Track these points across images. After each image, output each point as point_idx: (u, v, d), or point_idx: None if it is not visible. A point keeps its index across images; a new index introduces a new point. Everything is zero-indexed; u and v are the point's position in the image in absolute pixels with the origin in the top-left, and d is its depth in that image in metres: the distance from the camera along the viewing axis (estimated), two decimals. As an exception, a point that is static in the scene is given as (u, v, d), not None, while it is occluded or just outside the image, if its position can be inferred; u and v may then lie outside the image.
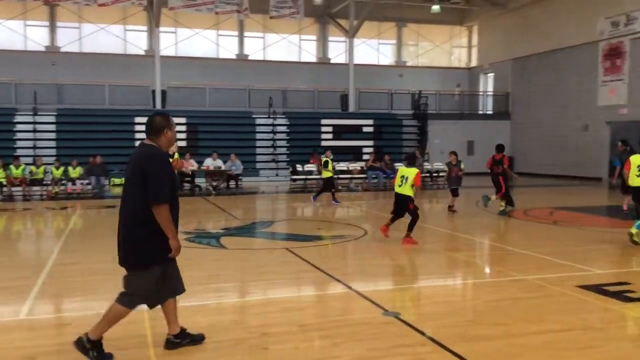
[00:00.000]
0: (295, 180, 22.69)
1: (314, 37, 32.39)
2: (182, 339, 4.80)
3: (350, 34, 28.72)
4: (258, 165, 25.59)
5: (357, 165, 23.14)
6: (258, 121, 26.85)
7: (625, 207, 13.80)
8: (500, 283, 7.33)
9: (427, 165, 23.43)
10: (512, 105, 30.63)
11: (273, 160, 26.00)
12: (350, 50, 28.89)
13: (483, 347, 4.81)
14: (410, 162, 10.15)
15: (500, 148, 14.52)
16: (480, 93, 33.29)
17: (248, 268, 8.21)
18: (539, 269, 7.81)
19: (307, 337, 5.12)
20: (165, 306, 4.78)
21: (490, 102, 32.54)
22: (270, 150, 26.31)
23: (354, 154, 25.67)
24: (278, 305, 6.12)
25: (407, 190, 9.77)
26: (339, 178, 22.04)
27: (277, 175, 24.99)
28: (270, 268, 8.10)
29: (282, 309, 5.92)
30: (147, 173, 4.41)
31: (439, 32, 34.04)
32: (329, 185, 16.66)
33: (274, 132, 26.70)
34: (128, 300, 4.51)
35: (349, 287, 6.87)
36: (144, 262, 4.46)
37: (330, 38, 32.25)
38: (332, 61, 32.10)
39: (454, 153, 14.64)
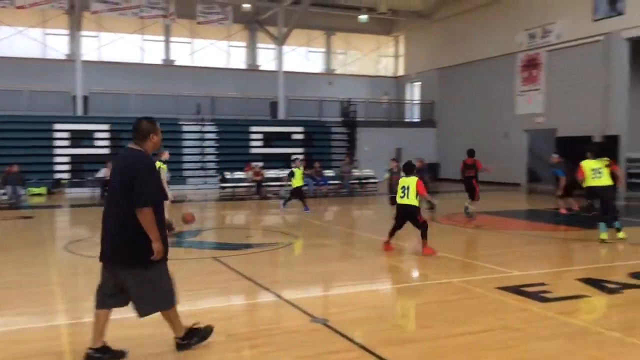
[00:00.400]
0: (224, 188, 22.42)
1: (243, 44, 32.26)
2: (103, 353, 4.64)
3: (280, 41, 28.78)
4: (185, 173, 25.13)
5: (287, 173, 23.10)
6: (185, 128, 26.39)
7: (563, 211, 14.82)
8: (426, 287, 7.49)
9: (356, 172, 23.74)
10: (438, 113, 31.55)
11: (201, 168, 25.60)
12: (280, 58, 28.95)
13: (408, 350, 4.89)
14: (409, 171, 9.76)
15: (471, 152, 15.13)
16: (407, 101, 34.16)
17: (174, 279, 7.99)
18: (462, 272, 8.04)
19: (235, 347, 5.04)
20: (102, 315, 4.68)
21: (417, 110, 33.43)
22: (199, 157, 25.90)
23: (284, 161, 25.66)
24: (205, 316, 5.97)
25: (412, 200, 9.42)
26: (268, 186, 21.97)
27: (205, 183, 24.62)
28: (198, 278, 7.93)
29: (209, 320, 5.79)
30: (134, 176, 4.48)
31: (367, 41, 34.69)
32: (297, 195, 16.49)
33: (202, 140, 26.32)
34: (151, 305, 4.66)
35: (278, 296, 6.83)
36: (147, 260, 4.52)
37: (259, 45, 32.21)
38: (261, 68, 32.05)
39: (395, 160, 14.56)
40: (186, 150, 25.87)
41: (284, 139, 27.38)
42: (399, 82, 35.08)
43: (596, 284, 7.22)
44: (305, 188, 21.53)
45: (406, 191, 9.38)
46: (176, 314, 4.85)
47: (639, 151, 24.03)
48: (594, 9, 22.18)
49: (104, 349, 4.65)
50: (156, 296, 4.65)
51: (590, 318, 5.81)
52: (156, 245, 4.52)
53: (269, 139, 27.07)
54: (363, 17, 29.80)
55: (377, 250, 10.36)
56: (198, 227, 13.39)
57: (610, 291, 6.95)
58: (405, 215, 9.51)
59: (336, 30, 33.44)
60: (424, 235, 9.39)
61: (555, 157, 15.81)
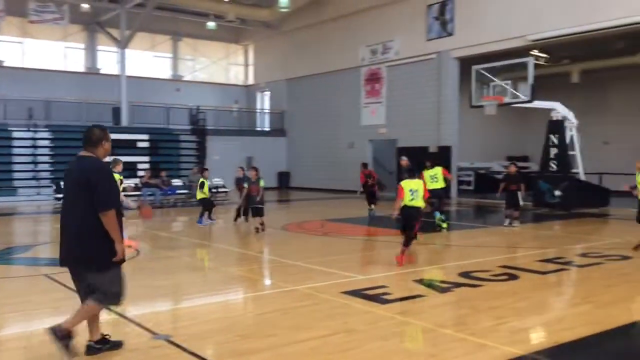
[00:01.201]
0: (59, 199, 20.79)
1: (82, 46, 30.32)
2: (102, 344, 5.02)
3: (122, 44, 27.45)
4: (15, 184, 22.99)
5: (131, 183, 22.04)
6: (15, 135, 24.14)
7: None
8: (272, 295, 7.50)
9: (205, 181, 23.28)
10: (288, 122, 32.07)
11: (34, 178, 23.56)
12: (122, 61, 27.59)
13: (253, 360, 4.83)
14: (412, 174, 9.83)
15: (365, 165, 17.27)
16: (258, 110, 34.31)
17: (2, 299, 7.22)
18: (309, 278, 8.16)
19: (64, 371, 4.63)
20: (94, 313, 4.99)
21: (267, 119, 33.71)
22: (31, 166, 23.82)
23: (128, 170, 24.41)
24: (38, 338, 5.45)
25: (420, 202, 9.43)
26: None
27: (38, 194, 22.69)
28: (28, 298, 7.23)
29: (40, 343, 5.28)
30: (95, 182, 4.68)
31: (216, 48, 34.34)
32: (207, 205, 15.56)
33: (35, 147, 24.25)
34: (106, 300, 4.93)
35: (117, 313, 6.42)
36: (104, 263, 4.77)
37: (100, 47, 30.49)
38: (102, 71, 30.33)
39: (254, 169, 14.23)
40: (17, 159, 23.66)
41: (128, 147, 26.06)
42: (249, 91, 35.16)
43: (430, 284, 7.70)
44: (150, 198, 20.75)
45: (415, 194, 9.37)
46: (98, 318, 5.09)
47: (467, 161, 26.38)
48: (427, 29, 23.96)
49: (104, 341, 5.03)
50: (106, 294, 4.88)
51: (425, 316, 6.17)
52: (119, 247, 4.79)
53: (112, 147, 25.54)
54: (211, 24, 29.48)
55: (225, 260, 10.20)
56: (30, 242, 12.26)
57: (443, 290, 7.46)
58: (411, 217, 9.36)
59: (183, 36, 32.69)
60: (407, 244, 9.27)
61: (404, 160, 16.63)
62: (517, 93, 18.56)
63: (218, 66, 34.68)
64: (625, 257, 9.75)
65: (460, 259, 9.99)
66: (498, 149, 30.09)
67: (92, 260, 4.77)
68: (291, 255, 10.29)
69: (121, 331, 5.88)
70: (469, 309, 6.57)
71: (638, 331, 5.72)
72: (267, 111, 33.87)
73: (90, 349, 4.96)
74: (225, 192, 22.67)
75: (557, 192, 18.13)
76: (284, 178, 31.52)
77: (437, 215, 13.56)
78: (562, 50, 24.24)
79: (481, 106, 18.96)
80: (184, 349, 5.09)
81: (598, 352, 5.30)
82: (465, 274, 8.33)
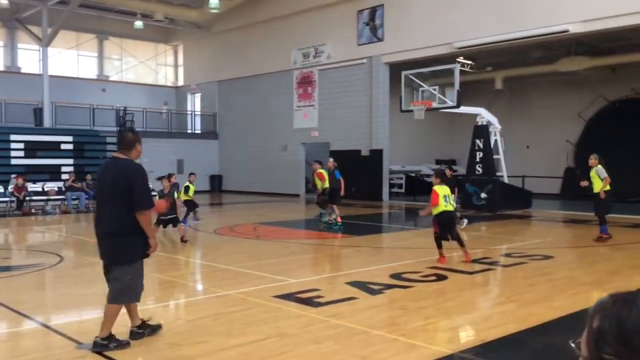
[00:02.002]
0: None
1: (1, 43, 28.83)
2: (144, 329, 5.39)
3: (44, 42, 26.29)
4: None
5: (54, 186, 21.15)
6: None
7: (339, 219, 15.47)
8: (203, 301, 7.36)
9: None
10: (220, 125, 31.67)
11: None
12: (45, 60, 26.42)
13: (184, 368, 4.71)
14: (444, 179, 9.94)
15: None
16: (188, 112, 33.65)
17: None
18: (241, 283, 8.06)
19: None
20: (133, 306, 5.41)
21: (198, 121, 33.13)
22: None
23: (51, 173, 23.49)
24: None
25: (451, 207, 9.56)
26: (32, 200, 19.89)
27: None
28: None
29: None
30: (132, 183, 5.06)
31: (144, 48, 33.46)
32: (191, 206, 15.07)
33: (-50, 148, 22.86)
34: (120, 298, 5.21)
35: (39, 322, 6.13)
36: (129, 259, 5.16)
37: (20, 45, 29.08)
38: (23, 70, 28.94)
39: (169, 177, 13.70)
40: None
41: (51, 149, 24.99)
42: (179, 92, 34.47)
43: (362, 286, 7.78)
44: (75, 202, 19.95)
45: (449, 199, 9.51)
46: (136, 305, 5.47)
47: (398, 164, 26.92)
48: (358, 34, 24.29)
49: (144, 325, 5.43)
50: (124, 290, 5.21)
51: (357, 319, 6.22)
52: (153, 242, 5.26)
53: (33, 149, 24.47)
54: (138, 23, 28.72)
55: (154, 266, 9.92)
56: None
57: (374, 292, 7.55)
58: (448, 221, 9.53)
59: (109, 35, 31.67)
60: (463, 243, 9.55)
61: (330, 162, 16.51)
62: (445, 98, 19.10)
63: (146, 66, 33.80)
64: (547, 257, 10.20)
65: (392, 260, 10.15)
66: (427, 153, 30.88)
67: (120, 255, 5.19)
68: (223, 260, 10.15)
69: (44, 341, 5.63)
70: (400, 309, 6.68)
71: (559, 328, 5.98)
72: (198, 113, 33.30)
73: (134, 334, 5.36)
74: (155, 195, 22.03)
75: (483, 195, 18.78)
76: (216, 181, 31.10)
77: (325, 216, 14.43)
78: (486, 57, 25.18)
79: (411, 111, 19.39)
80: (110, 358, 4.91)
81: (522, 349, 5.51)
82: (396, 276, 8.47)
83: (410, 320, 6.15)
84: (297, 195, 26.42)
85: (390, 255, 11.13)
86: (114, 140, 27.28)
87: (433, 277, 8.43)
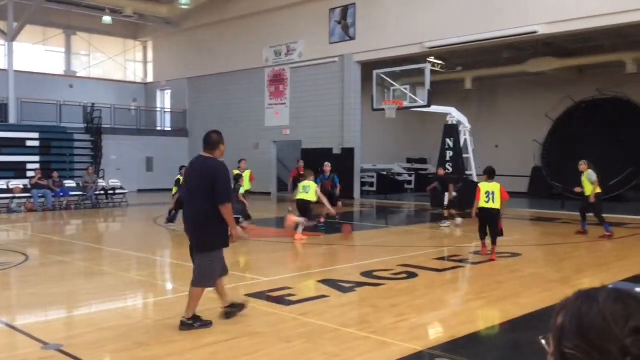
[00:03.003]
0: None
1: (-36, 37, 28.04)
2: (237, 308, 6.03)
3: (10, 37, 25.67)
4: None
5: (19, 184, 20.65)
6: None
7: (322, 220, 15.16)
8: (173, 300, 7.27)
9: (102, 183, 22.26)
10: (190, 122, 31.35)
11: None
12: (10, 55, 25.79)
13: (152, 368, 4.64)
14: (491, 176, 10.03)
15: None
16: (158, 109, 33.22)
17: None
18: (211, 281, 7.98)
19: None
20: (217, 284, 5.95)
21: (168, 118, 32.72)
22: None
23: (17, 170, 22.94)
24: None
25: (498, 204, 9.74)
26: (-4, 198, 19.43)
27: None
28: None
29: None
30: (217, 179, 5.67)
31: (112, 44, 32.89)
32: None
33: None
34: (201, 281, 5.75)
35: (3, 322, 5.98)
36: (210, 247, 5.74)
37: (-16, 39, 28.32)
38: (-13, 66, 28.21)
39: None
40: None
41: (16, 145, 24.41)
42: (148, 89, 34.00)
43: (334, 284, 7.79)
44: (41, 200, 19.54)
45: (491, 196, 9.68)
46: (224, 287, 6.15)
47: (369, 163, 27.03)
48: (330, 33, 24.30)
49: (238, 305, 6.04)
50: (204, 275, 5.75)
51: (328, 317, 6.22)
52: (234, 231, 5.86)
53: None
54: (107, 19, 28.23)
55: (122, 265, 9.78)
56: None
57: (345, 290, 7.56)
58: (489, 218, 9.78)
59: (77, 30, 31.05)
60: (495, 242, 9.81)
61: (328, 166, 16.16)
62: (416, 98, 19.23)
63: (115, 62, 33.25)
64: (515, 254, 10.36)
65: (363, 258, 10.19)
66: (399, 151, 31.06)
67: (202, 243, 5.75)
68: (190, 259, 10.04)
69: (9, 341, 5.49)
70: (370, 307, 6.70)
71: (527, 324, 6.07)
72: (167, 110, 32.90)
73: (227, 314, 5.96)
74: (123, 193, 21.73)
75: (453, 193, 18.96)
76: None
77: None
78: (456, 58, 25.46)
79: (382, 109, 19.47)
80: (77, 358, 4.81)
81: (490, 345, 5.58)
82: (367, 274, 8.50)
83: (381, 318, 6.17)
84: (269, 194, 26.33)
85: (361, 254, 11.17)
86: (82, 137, 26.91)
87: (404, 275, 8.49)
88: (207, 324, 5.71)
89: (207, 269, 5.74)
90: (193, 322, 5.63)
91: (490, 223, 9.89)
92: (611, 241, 12.11)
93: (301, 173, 16.84)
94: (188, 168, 6.27)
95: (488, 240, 10.09)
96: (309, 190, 12.32)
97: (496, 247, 9.92)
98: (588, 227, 13.12)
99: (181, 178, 15.12)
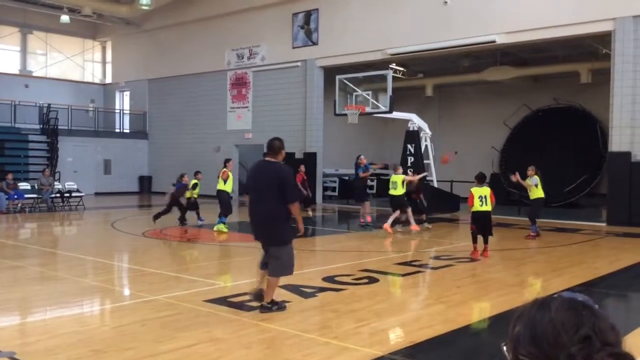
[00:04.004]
0: None
1: None
2: (259, 298, 6.49)
3: (-38, 33, 24.84)
4: None
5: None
6: None
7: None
8: (130, 306, 7.12)
9: (57, 185, 21.68)
10: (150, 124, 30.86)
11: None
12: (-37, 53, 24.96)
13: (109, 377, 4.53)
14: (482, 181, 10.75)
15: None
16: (117, 110, 32.57)
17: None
18: (170, 287, 7.86)
19: None
20: (263, 273, 6.62)
21: (127, 120, 32.12)
22: None
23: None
24: None
25: (490, 207, 10.43)
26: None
27: None
28: None
29: None
30: (286, 182, 6.39)
31: (70, 43, 32.14)
32: (193, 206, 15.97)
33: None
34: (281, 271, 6.49)
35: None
36: (286, 240, 6.47)
37: None
38: (-63, 63, 27.22)
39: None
40: None
41: (-33, 146, 23.62)
42: (107, 90, 33.33)
43: (295, 289, 7.75)
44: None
45: (484, 199, 10.36)
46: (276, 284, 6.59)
47: (331, 168, 27.11)
48: (293, 37, 24.30)
49: (272, 301, 6.49)
50: (284, 265, 6.48)
51: (290, 322, 6.18)
52: (301, 226, 6.70)
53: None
54: (65, 18, 27.59)
55: (78, 270, 9.55)
56: None
57: (307, 295, 7.54)
58: (485, 220, 10.43)
59: (34, 29, 30.25)
60: (487, 241, 10.57)
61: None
62: (378, 103, 19.38)
63: (72, 62, 32.50)
64: (474, 259, 10.52)
65: (324, 263, 10.19)
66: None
67: (277, 238, 6.44)
68: (152, 264, 9.88)
69: (-46, 352, 5.27)
70: (332, 312, 6.70)
71: (485, 328, 6.17)
72: (126, 112, 32.29)
73: (256, 296, 6.54)
74: (80, 197, 21.22)
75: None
76: (145, 182, 30.27)
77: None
78: (417, 65, 25.80)
79: (344, 115, 19.55)
80: (29, 368, 4.66)
81: (450, 349, 5.64)
82: (328, 279, 8.50)
83: (342, 323, 6.17)
84: (230, 198, 26.05)
85: (323, 258, 11.17)
86: (37, 138, 26.20)
87: (365, 280, 8.51)
88: (282, 307, 6.52)
89: (288, 259, 6.47)
90: (271, 306, 6.43)
91: (486, 224, 10.54)
92: (566, 247, 12.43)
93: (304, 178, 16.94)
94: (253, 171, 6.85)
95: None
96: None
97: (488, 246, 10.64)
98: (539, 230, 13.59)
99: (198, 182, 16.16)
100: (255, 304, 6.53)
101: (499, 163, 27.19)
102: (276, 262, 6.44)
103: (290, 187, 6.47)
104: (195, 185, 16.02)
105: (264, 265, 6.63)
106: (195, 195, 16.06)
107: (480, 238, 10.67)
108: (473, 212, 10.51)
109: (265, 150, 7.14)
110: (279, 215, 6.36)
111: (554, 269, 9.84)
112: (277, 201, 6.31)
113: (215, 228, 14.22)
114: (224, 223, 14.29)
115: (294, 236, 6.65)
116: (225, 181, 14.52)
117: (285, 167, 6.64)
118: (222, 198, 14.63)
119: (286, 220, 6.43)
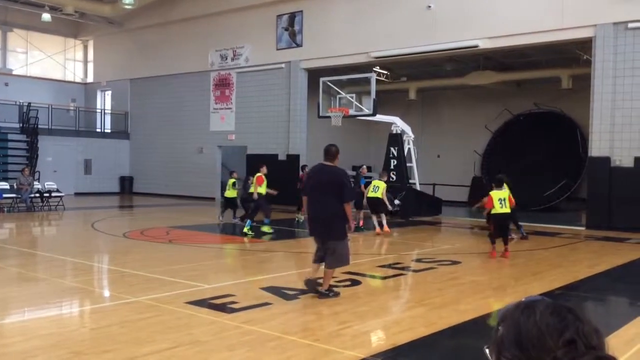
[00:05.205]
0: None
1: None
2: (312, 287, 7.32)
3: (-59, 30, 24.42)
4: None
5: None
6: None
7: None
8: (110, 307, 7.05)
9: (37, 185, 21.40)
10: (132, 124, 30.61)
11: None
12: (-59, 50, 24.54)
13: (88, 379, 4.47)
14: (500, 185, 11.24)
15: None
16: (98, 110, 32.24)
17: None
18: (151, 289, 7.79)
19: None
20: (317, 267, 7.50)
21: (108, 120, 31.81)
22: None
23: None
24: None
25: (509, 209, 10.95)
26: None
27: None
28: None
29: None
30: (344, 184, 7.30)
31: (51, 42, 31.76)
32: (231, 205, 16.67)
33: None
34: (337, 264, 7.33)
35: None
36: (343, 235, 7.32)
37: None
38: None
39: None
40: None
41: (-56, 145, 23.22)
42: (88, 89, 32.99)
43: (277, 291, 7.74)
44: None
45: (503, 202, 10.84)
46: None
47: (314, 169, 27.02)
48: (277, 39, 24.27)
49: (329, 289, 7.34)
50: (341, 258, 7.32)
51: (271, 324, 6.16)
52: (351, 223, 7.47)
53: None
54: (46, 16, 27.26)
55: (58, 271, 9.43)
56: None
57: (289, 297, 7.53)
58: (505, 222, 11.00)
59: (14, 27, 29.85)
60: (507, 242, 11.04)
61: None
62: (361, 106, 19.44)
63: (53, 61, 32.12)
64: (455, 262, 10.59)
65: (307, 265, 10.15)
66: (344, 159, 30.84)
67: (337, 233, 7.25)
68: (132, 265, 9.79)
69: None
70: (314, 315, 6.69)
71: (466, 331, 6.20)
72: (108, 111, 31.97)
73: (308, 283, 7.37)
74: (60, 197, 20.96)
75: (397, 202, 19.25)
76: (126, 183, 30.01)
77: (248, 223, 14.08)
78: (401, 68, 25.92)
79: (328, 117, 19.58)
80: (7, 371, 4.59)
81: (431, 352, 5.66)
82: (308, 282, 8.47)
83: (324, 326, 6.17)
84: (213, 199, 25.98)
85: (305, 260, 11.12)
86: (17, 137, 25.86)
87: (347, 282, 8.51)
88: (337, 293, 7.36)
89: (342, 253, 7.26)
90: (328, 292, 7.24)
91: (506, 226, 11.12)
92: (546, 250, 12.56)
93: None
94: (312, 174, 7.76)
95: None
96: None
97: (509, 246, 11.11)
98: (526, 234, 13.74)
99: (235, 181, 16.67)
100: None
101: (481, 167, 27.41)
102: (333, 256, 7.23)
103: (347, 188, 7.33)
104: (234, 184, 16.66)
105: (320, 259, 7.40)
106: (233, 194, 16.66)
107: (499, 239, 11.03)
108: (493, 214, 10.95)
109: (321, 155, 7.77)
110: (338, 212, 7.17)
111: (534, 272, 9.93)
112: (337, 201, 7.15)
113: (262, 229, 14.29)
114: (269, 224, 14.39)
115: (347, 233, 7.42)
116: (260, 186, 14.44)
117: (342, 170, 7.60)
118: (261, 201, 14.51)
119: (343, 217, 7.22)
